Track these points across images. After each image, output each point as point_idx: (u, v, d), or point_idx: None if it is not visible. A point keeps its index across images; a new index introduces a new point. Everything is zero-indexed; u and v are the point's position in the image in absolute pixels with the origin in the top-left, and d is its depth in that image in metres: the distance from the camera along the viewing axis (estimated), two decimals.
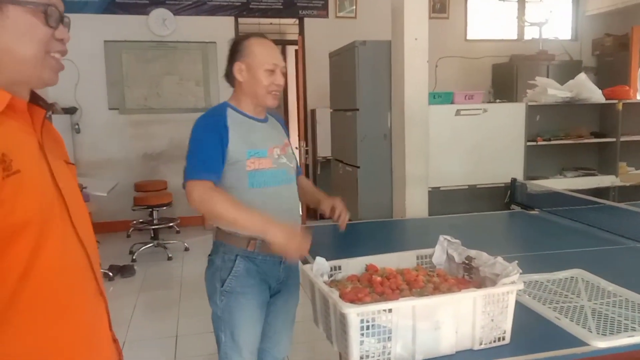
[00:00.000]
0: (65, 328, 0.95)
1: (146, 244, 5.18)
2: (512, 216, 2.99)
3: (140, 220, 5.54)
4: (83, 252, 1.01)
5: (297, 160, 2.00)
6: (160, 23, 5.98)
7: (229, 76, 1.82)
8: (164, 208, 5.37)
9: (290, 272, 1.89)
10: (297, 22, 6.64)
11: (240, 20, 6.35)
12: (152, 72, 6.04)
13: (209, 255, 1.85)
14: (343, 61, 3.92)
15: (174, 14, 6.01)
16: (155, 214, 5.33)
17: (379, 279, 1.40)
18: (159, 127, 6.09)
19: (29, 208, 0.88)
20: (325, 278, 1.45)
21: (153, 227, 5.33)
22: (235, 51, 1.80)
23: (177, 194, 5.47)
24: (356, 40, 3.64)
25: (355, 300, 1.27)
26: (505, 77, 6.82)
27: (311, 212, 5.75)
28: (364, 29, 5.42)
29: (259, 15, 6.42)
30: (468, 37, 7.18)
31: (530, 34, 7.15)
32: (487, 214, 3.02)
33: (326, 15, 6.57)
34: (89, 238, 1.05)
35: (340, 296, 1.25)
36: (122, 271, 4.50)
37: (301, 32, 6.56)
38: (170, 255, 5.00)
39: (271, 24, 7.17)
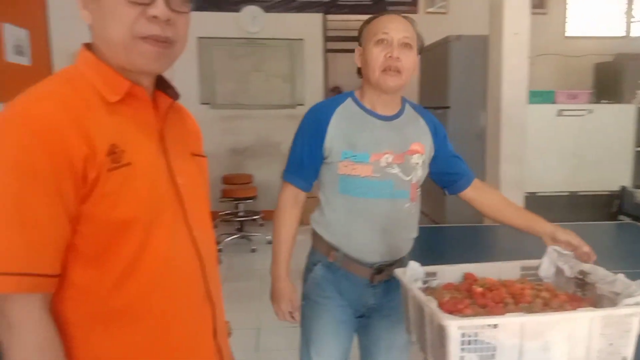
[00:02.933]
0: (162, 334, 0.91)
1: (231, 235, 5.31)
2: (620, 228, 2.73)
3: (227, 212, 5.69)
4: (195, 254, 0.95)
5: (456, 164, 1.67)
6: (251, 20, 6.10)
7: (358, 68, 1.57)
8: (249, 201, 5.49)
9: (387, 298, 1.61)
10: None
11: (328, 17, 6.34)
12: (242, 68, 6.17)
13: None
14: (435, 57, 3.78)
15: (264, 11, 6.11)
16: (240, 206, 5.46)
17: (479, 289, 1.29)
18: (246, 122, 6.23)
19: (134, 205, 0.85)
20: (420, 284, 1.36)
21: (238, 219, 5.47)
22: (359, 37, 1.55)
23: (262, 188, 5.57)
24: (450, 35, 3.50)
25: (454, 311, 1.18)
26: (609, 77, 6.28)
27: None
28: (455, 25, 5.22)
29: (347, 12, 6.37)
30: (568, 34, 6.72)
31: (639, 30, 6.56)
32: (592, 224, 2.78)
33: (416, 11, 6.39)
34: (205, 239, 0.99)
35: (439, 306, 1.17)
36: None
37: None
38: (254, 247, 5.10)
39: (359, 20, 7.09)
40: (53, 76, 0.91)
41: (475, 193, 1.69)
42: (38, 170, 0.77)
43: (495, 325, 1.09)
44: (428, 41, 3.98)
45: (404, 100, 1.62)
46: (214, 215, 5.82)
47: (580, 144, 3.41)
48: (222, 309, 1.06)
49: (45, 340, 0.80)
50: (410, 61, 1.48)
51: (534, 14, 6.34)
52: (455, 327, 1.07)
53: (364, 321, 1.67)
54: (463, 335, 1.08)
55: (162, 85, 0.99)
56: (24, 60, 4.23)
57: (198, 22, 7.09)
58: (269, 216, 5.82)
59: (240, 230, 5.43)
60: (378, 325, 1.66)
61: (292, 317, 1.62)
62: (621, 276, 1.23)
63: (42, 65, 4.59)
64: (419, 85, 4.20)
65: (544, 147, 3.37)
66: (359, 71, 1.57)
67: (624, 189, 2.95)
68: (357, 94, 1.58)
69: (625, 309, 1.13)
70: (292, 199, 1.59)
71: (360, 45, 1.55)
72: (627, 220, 2.80)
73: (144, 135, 0.91)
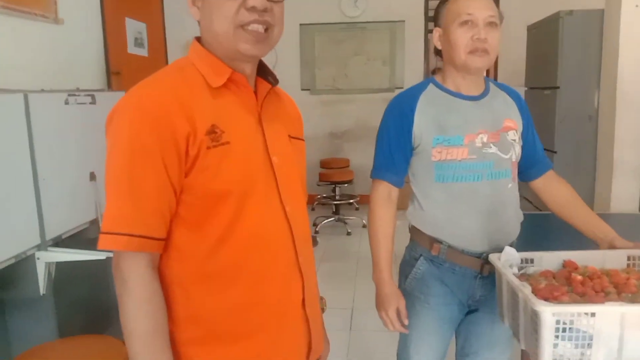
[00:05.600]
0: (254, 296, 0.99)
1: (328, 217, 5.43)
2: None
3: (324, 195, 5.82)
4: (286, 227, 1.02)
5: (534, 150, 1.59)
6: (352, 4, 6.10)
7: (435, 49, 1.52)
8: (346, 185, 5.56)
9: (495, 291, 1.47)
10: None
11: None
12: (341, 53, 6.21)
13: None
14: (544, 34, 3.56)
15: None
16: (337, 190, 5.56)
17: (579, 277, 1.23)
18: (345, 106, 6.28)
19: (230, 178, 0.94)
20: (515, 270, 1.32)
21: (335, 202, 5.57)
22: (436, 15, 1.49)
23: (358, 172, 5.61)
24: (561, 11, 3.28)
25: (550, 298, 1.14)
26: None
27: None
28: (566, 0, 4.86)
29: None
30: None
31: None
32: None
33: None
34: (297, 215, 1.05)
35: (533, 292, 1.14)
36: None
37: (496, 4, 6.13)
38: (349, 230, 5.18)
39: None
40: (168, 66, 1.03)
41: (546, 183, 1.61)
42: (147, 147, 0.89)
43: (593, 314, 1.04)
44: (536, 17, 3.78)
45: (486, 79, 1.56)
46: (312, 199, 6.00)
47: None
48: (313, 282, 1.11)
49: (151, 294, 0.91)
50: (496, 40, 1.42)
51: None
52: (549, 313, 1.05)
53: (468, 317, 1.60)
54: (558, 322, 1.05)
55: (263, 72, 1.08)
56: (143, 52, 4.60)
57: (299, 8, 7.22)
58: (364, 200, 5.84)
59: (336, 213, 5.53)
60: (482, 320, 1.58)
61: (403, 325, 1.50)
62: None
63: (158, 56, 4.96)
64: (526, 64, 3.98)
65: None
66: (438, 52, 1.52)
67: None
68: (438, 78, 1.54)
69: None
70: (385, 197, 1.53)
71: (437, 25, 1.49)
72: None
73: (243, 117, 1.00)
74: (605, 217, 2.80)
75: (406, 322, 1.50)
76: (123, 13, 4.22)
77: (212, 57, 0.99)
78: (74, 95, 2.40)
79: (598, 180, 3.19)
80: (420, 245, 1.54)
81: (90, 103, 2.49)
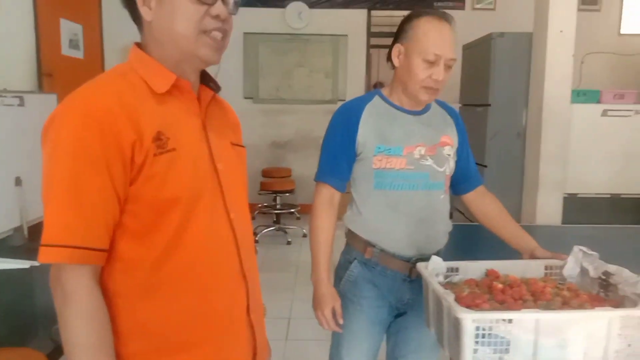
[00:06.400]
0: (201, 306, 0.98)
1: (269, 227, 5.42)
2: None
3: (265, 204, 5.80)
4: (231, 234, 1.02)
5: (467, 166, 1.68)
6: (296, 16, 6.17)
7: (389, 58, 1.57)
8: (287, 194, 5.57)
9: (422, 295, 1.54)
10: None
11: (373, 12, 6.33)
12: (285, 63, 6.25)
13: None
14: (477, 54, 3.73)
15: (309, 7, 6.16)
16: (278, 199, 5.56)
17: (500, 286, 1.30)
18: (288, 116, 6.31)
19: (179, 186, 0.93)
20: (441, 279, 1.38)
21: (276, 211, 5.57)
22: (401, 29, 1.53)
23: (300, 182, 5.65)
24: (493, 32, 3.45)
25: (471, 305, 1.19)
26: None
27: None
28: (502, 22, 5.13)
29: (392, 8, 6.34)
30: (622, 31, 6.45)
31: None
32: (631, 228, 2.70)
33: (462, 7, 6.30)
34: (241, 222, 1.06)
35: (456, 300, 1.19)
36: None
37: None
38: (289, 240, 5.19)
39: (403, 16, 7.05)
40: (109, 71, 1.00)
41: (476, 197, 1.71)
42: (92, 155, 0.86)
43: (510, 320, 1.10)
44: (474, 38, 3.96)
45: None
46: (252, 208, 5.97)
47: (626, 145, 3.29)
48: (257, 288, 1.12)
49: (96, 307, 0.88)
50: (447, 79, 1.50)
51: (586, 10, 6.21)
52: (469, 320, 1.10)
53: (397, 320, 1.66)
54: (477, 328, 1.10)
55: (205, 79, 1.08)
56: (78, 54, 4.43)
57: (244, 17, 7.20)
58: (306, 209, 5.89)
59: (277, 222, 5.53)
60: (410, 325, 1.65)
61: (337, 325, 1.55)
62: None
63: (94, 58, 4.79)
64: (461, 82, 4.15)
65: (588, 147, 3.27)
66: (393, 66, 1.57)
67: None
68: (384, 91, 1.61)
69: None
70: (328, 200, 1.58)
71: (399, 41, 1.52)
72: None
73: (188, 124, 1.00)
74: (531, 228, 2.97)
75: (341, 321, 1.55)
76: (58, 13, 4.05)
77: (155, 63, 0.98)
78: (1, 96, 2.29)
79: (525, 194, 3.36)
80: (355, 249, 1.60)
81: (18, 105, 2.38)
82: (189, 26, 0.95)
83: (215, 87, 1.09)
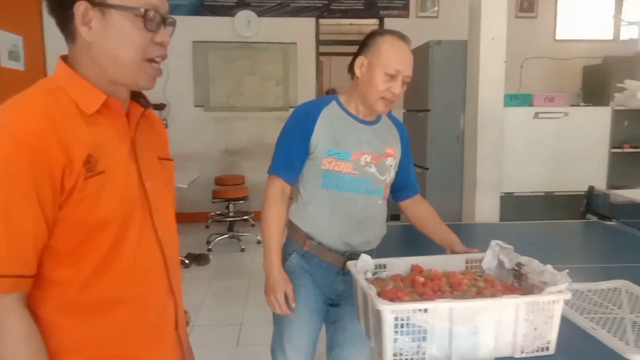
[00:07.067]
0: (131, 324, 1.00)
1: (222, 235, 5.42)
2: (586, 226, 2.83)
3: (218, 212, 5.80)
4: (159, 252, 1.04)
5: (408, 176, 1.83)
6: (245, 24, 6.21)
7: (351, 68, 1.68)
8: (241, 202, 5.59)
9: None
10: (378, 22, 6.64)
11: (321, 21, 6.45)
12: (236, 71, 6.28)
13: None
14: (417, 61, 3.83)
15: (258, 16, 6.21)
16: (232, 207, 5.57)
17: (422, 279, 1.39)
18: (240, 124, 6.33)
19: (109, 208, 0.92)
20: (369, 275, 1.46)
21: (229, 219, 5.57)
22: (364, 44, 1.64)
23: (253, 189, 5.68)
24: (431, 40, 3.60)
25: (394, 298, 1.28)
26: (597, 80, 6.39)
27: None
28: (445, 30, 5.31)
29: (339, 16, 6.48)
30: (557, 37, 6.81)
31: (627, 33, 6.65)
32: (560, 223, 2.87)
33: (407, 15, 6.49)
34: (169, 238, 1.07)
35: (380, 294, 1.27)
36: (198, 259, 4.74)
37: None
38: (243, 247, 5.20)
39: (351, 24, 7.21)
40: (34, 88, 0.95)
41: (412, 204, 1.88)
42: (22, 186, 0.84)
43: (425, 310, 1.19)
44: (412, 46, 4.09)
45: None
46: (205, 216, 5.96)
47: (557, 146, 3.49)
48: (182, 302, 1.15)
49: (29, 332, 0.87)
50: (402, 93, 1.64)
51: (523, 17, 6.52)
52: (388, 311, 1.18)
53: (333, 311, 1.78)
54: (396, 319, 1.18)
55: (135, 96, 1.07)
56: (19, 66, 4.34)
57: (193, 26, 7.21)
58: (259, 217, 5.90)
59: (230, 230, 5.53)
60: (344, 315, 1.77)
61: (288, 308, 1.65)
62: (549, 267, 1.32)
63: (36, 70, 4.70)
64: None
65: (521, 149, 3.46)
66: (352, 76, 1.69)
67: (591, 189, 3.03)
68: (342, 98, 1.72)
69: (547, 296, 1.23)
70: (279, 192, 1.69)
71: (363, 53, 1.63)
72: (593, 219, 2.88)
73: (117, 144, 0.98)
74: (471, 226, 3.12)
75: (293, 305, 1.67)
76: None
77: (84, 82, 0.95)
78: None
79: (465, 194, 3.52)
80: (295, 241, 1.73)
81: None
82: (135, 53, 0.94)
83: (145, 103, 1.08)
